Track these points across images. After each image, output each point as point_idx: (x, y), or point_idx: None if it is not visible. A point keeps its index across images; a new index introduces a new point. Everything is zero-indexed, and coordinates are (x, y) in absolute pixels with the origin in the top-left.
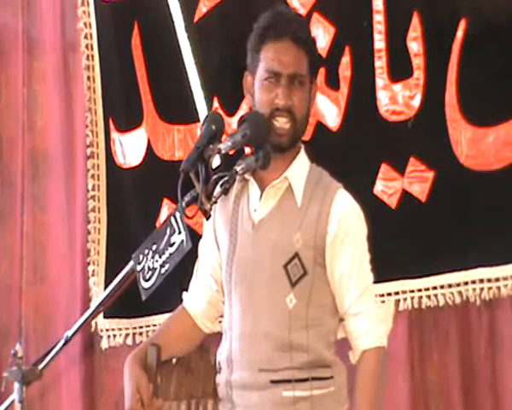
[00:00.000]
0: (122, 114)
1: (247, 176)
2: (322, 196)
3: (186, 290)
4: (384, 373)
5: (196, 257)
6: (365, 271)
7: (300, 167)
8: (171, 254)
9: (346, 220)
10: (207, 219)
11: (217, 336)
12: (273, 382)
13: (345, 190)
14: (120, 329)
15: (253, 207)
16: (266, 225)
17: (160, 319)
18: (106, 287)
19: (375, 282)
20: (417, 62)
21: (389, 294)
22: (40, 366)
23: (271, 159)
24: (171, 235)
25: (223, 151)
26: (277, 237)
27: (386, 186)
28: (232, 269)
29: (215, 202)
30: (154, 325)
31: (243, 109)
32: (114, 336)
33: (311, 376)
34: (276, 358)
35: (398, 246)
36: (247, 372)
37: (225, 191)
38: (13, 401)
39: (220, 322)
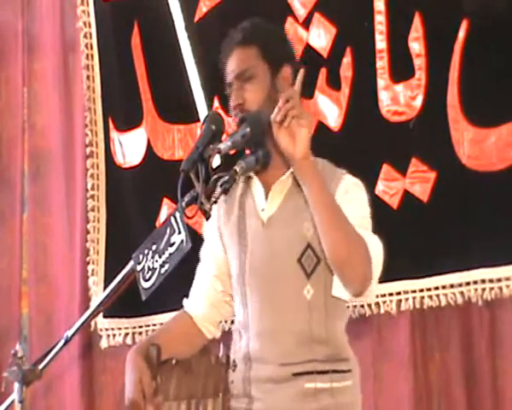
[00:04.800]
0: (122, 113)
1: (251, 174)
2: (328, 184)
3: (187, 295)
4: (359, 250)
5: (195, 258)
6: (363, 218)
7: None
8: (170, 254)
9: (350, 190)
10: (207, 219)
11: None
12: (295, 374)
13: (350, 175)
14: (120, 328)
15: (259, 206)
16: (276, 222)
17: (159, 318)
18: (105, 286)
19: (378, 282)
20: (419, 63)
21: (391, 294)
22: (40, 366)
23: (271, 156)
24: (170, 235)
25: (223, 151)
26: (288, 232)
27: (388, 187)
28: (245, 270)
29: (215, 202)
30: (154, 325)
31: None
32: (114, 335)
33: (332, 369)
34: (298, 352)
35: (400, 246)
36: (268, 367)
37: (225, 191)
38: (13, 401)
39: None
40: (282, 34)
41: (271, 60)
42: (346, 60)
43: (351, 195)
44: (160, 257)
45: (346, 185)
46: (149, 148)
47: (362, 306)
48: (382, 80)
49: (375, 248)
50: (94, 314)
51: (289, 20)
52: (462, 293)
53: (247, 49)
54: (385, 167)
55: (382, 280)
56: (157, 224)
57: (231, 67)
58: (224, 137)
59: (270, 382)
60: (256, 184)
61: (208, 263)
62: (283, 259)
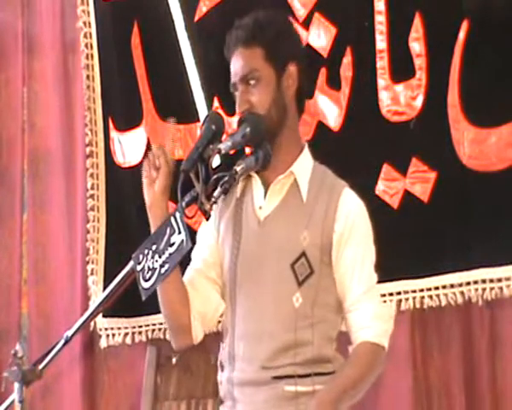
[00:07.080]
0: (121, 113)
1: (251, 173)
2: (328, 194)
3: None
4: (374, 371)
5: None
6: (368, 270)
7: (305, 165)
8: (170, 254)
9: (352, 219)
10: (207, 219)
11: (218, 336)
12: (275, 378)
13: (350, 189)
14: (119, 328)
15: (257, 205)
16: (272, 223)
17: (159, 318)
18: (105, 286)
19: (378, 282)
20: (419, 63)
21: (391, 294)
22: (40, 366)
23: (272, 157)
24: (170, 235)
25: (223, 151)
26: (284, 235)
27: (388, 187)
28: (236, 266)
29: (215, 202)
30: (154, 325)
31: None
32: (113, 335)
33: (314, 371)
34: (280, 356)
35: (400, 246)
36: (250, 370)
37: (225, 191)
38: (13, 401)
39: None
40: (286, 30)
41: (276, 61)
42: (347, 60)
43: (354, 233)
44: (159, 257)
45: (347, 210)
46: (149, 147)
47: None
48: (382, 80)
49: (386, 316)
50: (94, 315)
51: None
52: (462, 293)
53: (250, 49)
54: (385, 167)
55: (382, 280)
56: None
57: (235, 67)
58: (224, 137)
59: (250, 385)
60: (256, 182)
61: (201, 250)
62: (276, 261)
